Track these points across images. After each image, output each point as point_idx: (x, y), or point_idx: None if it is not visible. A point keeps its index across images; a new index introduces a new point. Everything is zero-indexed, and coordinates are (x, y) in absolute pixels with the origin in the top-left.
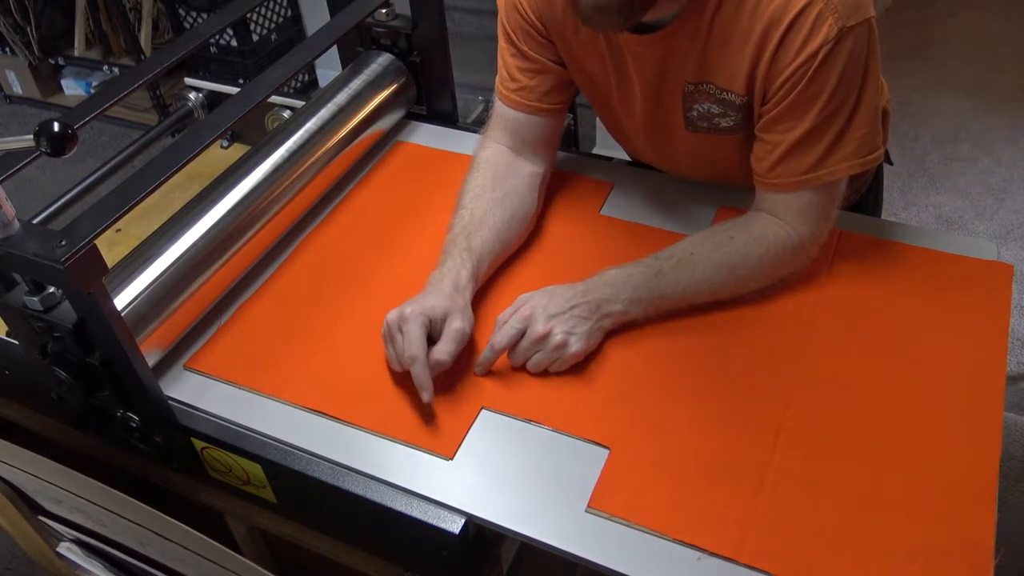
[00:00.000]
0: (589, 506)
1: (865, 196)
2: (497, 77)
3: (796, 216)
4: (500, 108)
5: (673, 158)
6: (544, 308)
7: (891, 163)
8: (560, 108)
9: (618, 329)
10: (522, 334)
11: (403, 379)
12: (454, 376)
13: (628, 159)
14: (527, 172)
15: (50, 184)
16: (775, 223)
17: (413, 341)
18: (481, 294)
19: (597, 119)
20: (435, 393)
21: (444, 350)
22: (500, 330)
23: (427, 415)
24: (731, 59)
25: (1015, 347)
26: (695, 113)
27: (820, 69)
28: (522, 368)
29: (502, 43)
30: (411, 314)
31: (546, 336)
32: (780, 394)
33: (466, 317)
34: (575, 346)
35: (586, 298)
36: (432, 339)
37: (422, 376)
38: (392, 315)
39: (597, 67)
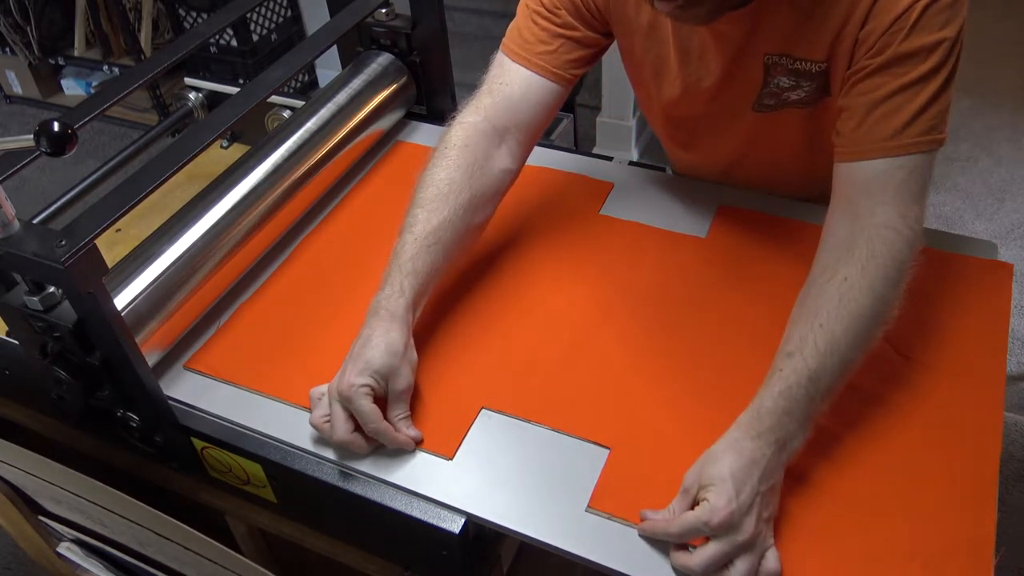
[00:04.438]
0: (589, 506)
1: None
2: (507, 39)
3: (896, 193)
4: (504, 72)
5: (725, 144)
6: (730, 513)
7: None
8: (572, 80)
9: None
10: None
11: None
12: (454, 376)
13: (628, 159)
14: (498, 167)
15: (50, 184)
16: (874, 222)
17: (371, 417)
18: (480, 293)
19: (597, 118)
20: (435, 393)
21: (399, 415)
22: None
23: (426, 414)
24: (815, 24)
25: (1015, 347)
26: (767, 90)
27: (918, 23)
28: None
29: (532, 4)
30: (353, 391)
31: (754, 541)
32: None
33: (407, 365)
34: (769, 535)
35: (766, 463)
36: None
37: (400, 440)
38: (332, 391)
39: (653, 51)
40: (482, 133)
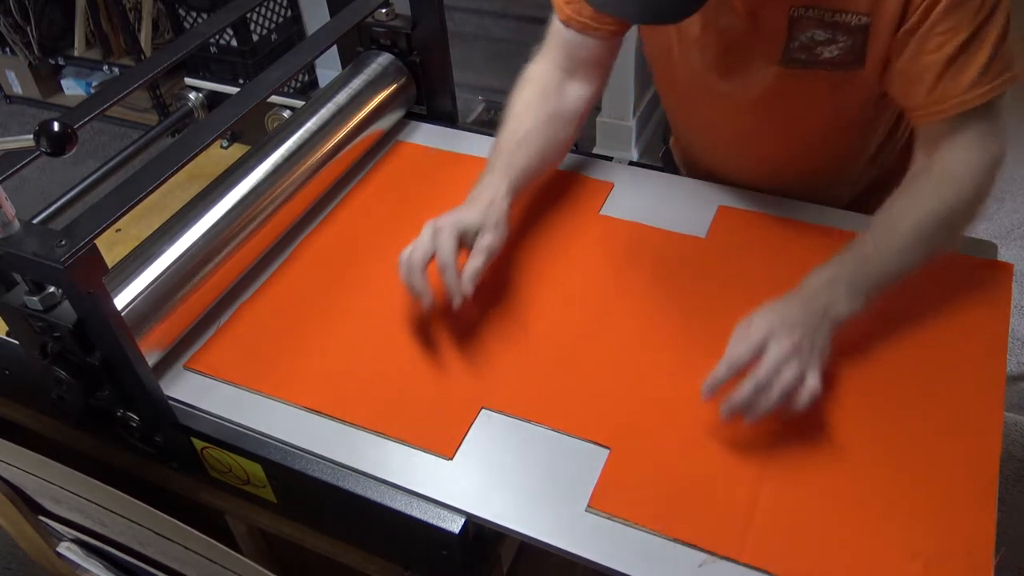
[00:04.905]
0: (589, 506)
1: None
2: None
3: (977, 138)
4: (555, 24)
5: (740, 111)
6: (778, 327)
7: None
8: (615, 31)
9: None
10: (757, 355)
11: (403, 378)
12: (454, 376)
13: (628, 159)
14: (574, 94)
15: (50, 184)
16: (959, 152)
17: (447, 251)
18: (479, 293)
19: (596, 118)
20: (434, 392)
21: (474, 266)
22: (736, 347)
23: (426, 414)
24: None
25: (1015, 347)
26: (797, 43)
27: None
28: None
29: None
30: (445, 226)
31: (790, 350)
32: None
33: (498, 232)
34: (815, 365)
35: (811, 307)
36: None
37: (452, 283)
38: (427, 226)
39: None
40: (551, 70)
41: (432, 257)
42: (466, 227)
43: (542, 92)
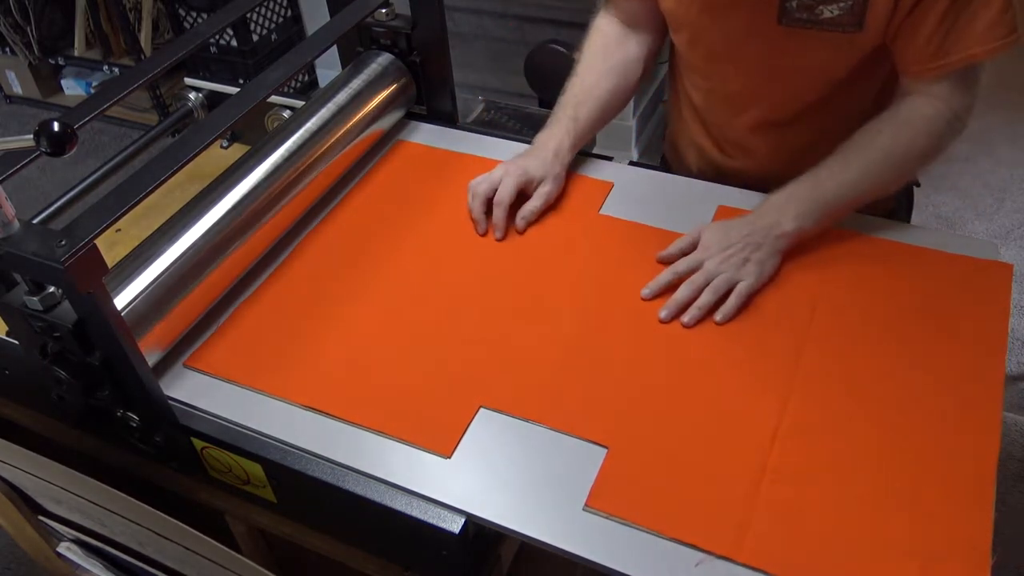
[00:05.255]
0: (586, 505)
1: (899, 200)
2: None
3: (947, 92)
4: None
5: (749, 62)
6: (719, 241)
7: (918, 184)
8: None
9: (789, 250)
10: (699, 264)
11: (401, 377)
12: (452, 374)
13: (628, 159)
14: (635, 46)
15: (50, 184)
16: (924, 102)
17: (506, 191)
18: (479, 292)
19: None
20: (433, 391)
21: (532, 207)
22: (673, 252)
23: (425, 413)
24: None
25: (1015, 347)
26: (795, 2)
27: None
28: (685, 309)
29: None
30: (512, 172)
31: (726, 260)
32: (778, 394)
33: (558, 183)
34: (751, 274)
35: (756, 224)
36: (525, 196)
37: (500, 219)
38: (500, 166)
39: None
40: (613, 23)
41: (493, 192)
42: (530, 177)
43: (604, 46)
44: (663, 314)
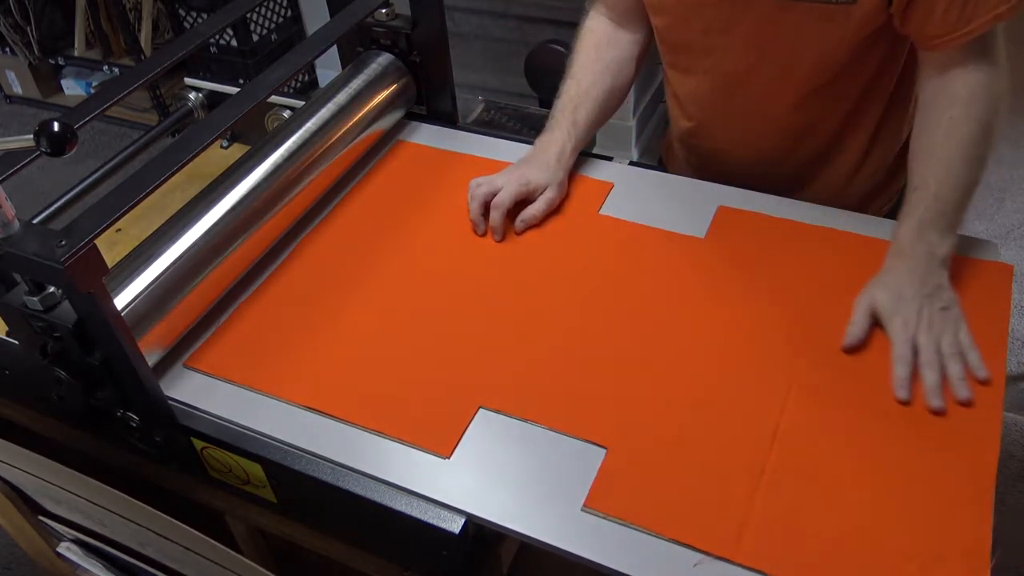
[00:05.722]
0: (585, 505)
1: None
2: None
3: (978, 53)
4: None
5: (744, 38)
6: (903, 309)
7: None
8: None
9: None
10: (913, 342)
11: (401, 377)
12: (451, 374)
13: (628, 159)
14: (628, 42)
15: (50, 184)
16: (970, 70)
17: (505, 195)
18: (478, 292)
19: None
20: (432, 391)
21: (533, 211)
22: (859, 336)
23: (424, 413)
24: None
25: (1015, 347)
26: None
27: None
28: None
29: None
30: (513, 179)
31: (930, 323)
32: (777, 394)
33: (561, 189)
34: (957, 317)
35: (915, 267)
36: (526, 200)
37: (497, 221)
38: (505, 170)
39: None
40: (603, 22)
41: (491, 195)
42: (533, 186)
43: (596, 45)
44: (935, 404)
